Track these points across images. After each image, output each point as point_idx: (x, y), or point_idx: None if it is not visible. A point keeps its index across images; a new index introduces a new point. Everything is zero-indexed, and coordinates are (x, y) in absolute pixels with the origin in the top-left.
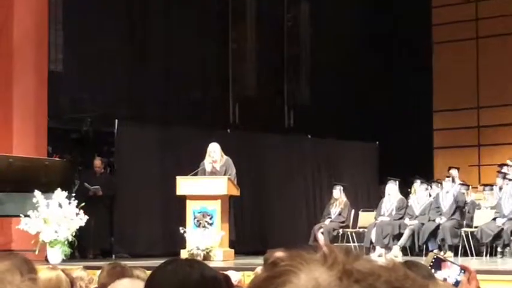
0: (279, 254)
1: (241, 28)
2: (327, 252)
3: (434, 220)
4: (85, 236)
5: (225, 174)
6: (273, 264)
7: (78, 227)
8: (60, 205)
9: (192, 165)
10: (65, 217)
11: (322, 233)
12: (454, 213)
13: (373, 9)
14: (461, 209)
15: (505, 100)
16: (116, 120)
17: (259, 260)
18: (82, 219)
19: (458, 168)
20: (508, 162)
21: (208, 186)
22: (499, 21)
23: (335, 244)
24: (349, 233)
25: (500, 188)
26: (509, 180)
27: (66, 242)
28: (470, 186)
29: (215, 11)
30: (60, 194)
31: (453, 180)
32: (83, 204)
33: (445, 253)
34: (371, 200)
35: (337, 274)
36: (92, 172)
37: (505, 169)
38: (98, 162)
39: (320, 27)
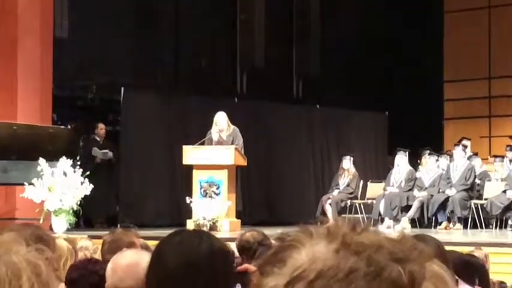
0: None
1: None
2: (330, 225)
3: (444, 192)
4: (90, 205)
5: (232, 144)
6: (279, 240)
7: (83, 196)
8: (65, 173)
9: (199, 134)
10: (70, 186)
11: (330, 204)
12: (464, 185)
13: None
14: (472, 181)
15: None
16: (122, 88)
17: (266, 231)
18: (87, 188)
19: (470, 139)
20: None
21: (215, 155)
22: None
23: (343, 215)
24: (357, 204)
25: (511, 160)
26: None
27: (71, 211)
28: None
29: None
30: (65, 162)
31: (465, 148)
32: (88, 173)
33: (454, 225)
34: (380, 171)
35: (336, 246)
36: (93, 139)
37: None
38: (101, 126)
39: None
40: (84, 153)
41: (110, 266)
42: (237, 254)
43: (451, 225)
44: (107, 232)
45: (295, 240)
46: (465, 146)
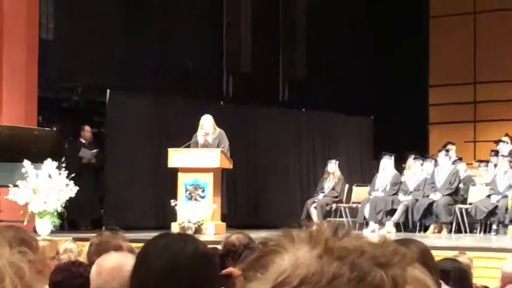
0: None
1: (236, 1)
2: (313, 230)
3: (428, 196)
4: (75, 207)
5: (218, 147)
6: (262, 244)
7: (67, 198)
8: (49, 175)
9: (185, 137)
10: (55, 188)
11: (315, 207)
12: (448, 190)
13: None
14: (456, 186)
15: (502, 76)
16: (108, 90)
17: (252, 234)
18: (72, 190)
19: (455, 144)
20: (504, 138)
21: (200, 158)
22: None
23: (328, 219)
24: (342, 208)
25: (495, 165)
26: (503, 156)
27: (55, 213)
28: (465, 163)
29: None
30: (50, 164)
31: (447, 154)
32: (73, 175)
33: (439, 230)
34: (365, 175)
35: (318, 252)
36: (79, 141)
37: (500, 145)
38: (87, 128)
39: (316, 1)
40: (70, 154)
41: (94, 268)
42: None
43: (436, 229)
44: (92, 234)
45: (278, 245)
46: (447, 151)
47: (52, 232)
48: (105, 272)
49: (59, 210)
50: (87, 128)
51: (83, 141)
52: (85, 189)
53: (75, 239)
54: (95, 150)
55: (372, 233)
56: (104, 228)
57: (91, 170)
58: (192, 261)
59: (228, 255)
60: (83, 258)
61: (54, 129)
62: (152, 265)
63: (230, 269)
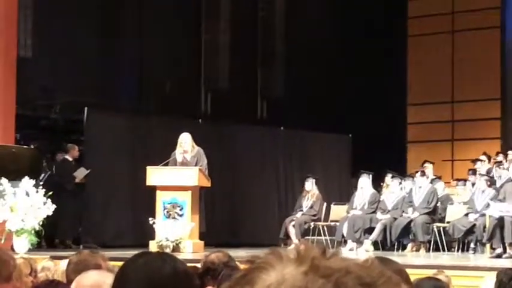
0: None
1: (214, 19)
2: (300, 249)
3: (406, 215)
4: (52, 225)
5: (196, 165)
6: (249, 262)
7: (45, 216)
8: (27, 193)
9: (163, 155)
10: (32, 206)
11: (293, 226)
12: (426, 209)
13: (349, 1)
14: (434, 205)
15: (479, 95)
16: (86, 108)
17: (230, 252)
18: (49, 208)
19: (433, 163)
20: (481, 157)
21: (178, 177)
22: (474, 15)
23: (306, 237)
24: (320, 226)
25: (473, 184)
26: (481, 175)
27: (32, 231)
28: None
29: (189, 1)
30: (27, 182)
31: (423, 174)
32: (51, 193)
33: (418, 249)
34: (343, 193)
35: (305, 269)
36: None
37: (478, 164)
38: (75, 146)
39: (294, 19)
40: (61, 173)
41: (73, 286)
42: None
43: (414, 248)
44: (70, 253)
45: (265, 263)
46: (423, 172)
47: (29, 250)
48: None
49: (37, 228)
50: (75, 146)
51: (70, 159)
52: (63, 208)
53: (53, 257)
54: (89, 170)
55: (351, 251)
56: (81, 246)
57: (69, 188)
58: (171, 281)
59: (207, 273)
60: (60, 277)
61: (32, 147)
62: (131, 284)
63: None
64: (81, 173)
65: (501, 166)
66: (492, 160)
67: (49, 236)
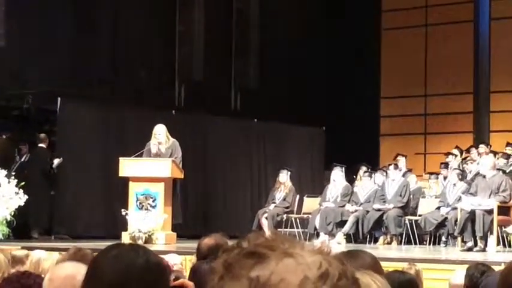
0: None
1: (189, 10)
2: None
3: (378, 208)
4: (24, 215)
5: (170, 157)
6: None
7: (17, 207)
8: None
9: (136, 146)
10: (4, 196)
11: (266, 218)
12: (398, 202)
13: None
14: (407, 198)
15: (453, 89)
16: (59, 98)
17: None
18: (21, 198)
19: (405, 156)
20: (453, 151)
21: (151, 168)
22: (448, 9)
23: (279, 230)
24: (293, 218)
25: (445, 177)
26: (453, 169)
27: (4, 222)
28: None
29: None
30: None
31: (396, 167)
32: (23, 183)
33: (390, 242)
34: (316, 185)
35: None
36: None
37: (450, 158)
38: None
39: (269, 10)
40: (39, 159)
41: (48, 275)
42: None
43: (386, 240)
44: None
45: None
46: (396, 165)
47: (1, 241)
48: (58, 280)
49: (8, 219)
50: (44, 135)
51: (45, 147)
52: (35, 198)
53: (24, 248)
54: (61, 159)
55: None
56: (53, 237)
57: (41, 177)
58: (144, 273)
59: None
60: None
61: (4, 137)
62: (103, 276)
63: (182, 281)
64: (56, 162)
65: (468, 162)
66: (464, 154)
67: (20, 226)
